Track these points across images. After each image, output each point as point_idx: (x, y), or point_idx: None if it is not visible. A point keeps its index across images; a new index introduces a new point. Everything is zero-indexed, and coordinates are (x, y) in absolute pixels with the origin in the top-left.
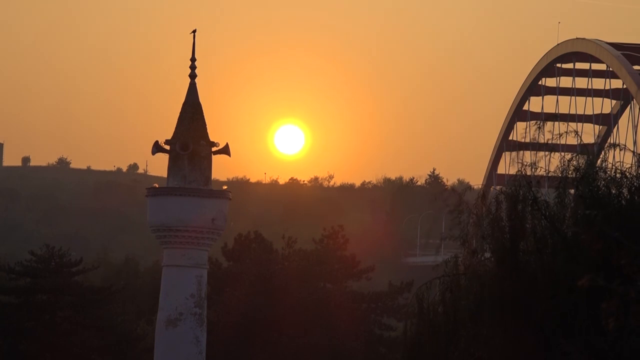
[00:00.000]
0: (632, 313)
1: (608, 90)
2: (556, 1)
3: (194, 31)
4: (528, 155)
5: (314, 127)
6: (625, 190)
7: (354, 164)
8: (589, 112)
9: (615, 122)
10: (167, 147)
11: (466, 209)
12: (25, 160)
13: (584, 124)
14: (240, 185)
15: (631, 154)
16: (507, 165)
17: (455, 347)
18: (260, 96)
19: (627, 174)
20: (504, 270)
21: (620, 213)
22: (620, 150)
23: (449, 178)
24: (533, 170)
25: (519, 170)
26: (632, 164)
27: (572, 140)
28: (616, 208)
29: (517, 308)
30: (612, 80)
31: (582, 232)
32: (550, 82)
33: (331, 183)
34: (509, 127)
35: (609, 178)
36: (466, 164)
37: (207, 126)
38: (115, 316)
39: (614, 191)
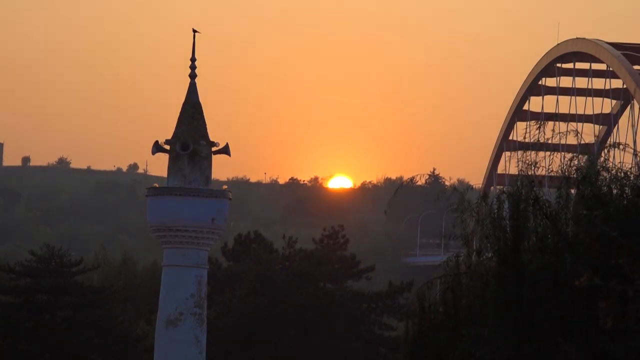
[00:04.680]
0: (629, 312)
1: (608, 90)
2: (556, 1)
3: (195, 30)
4: (528, 155)
5: (309, 126)
6: (627, 190)
7: (354, 164)
8: (589, 112)
9: (615, 122)
10: (167, 147)
11: (468, 208)
12: (25, 160)
13: (584, 124)
14: (240, 185)
15: (631, 153)
16: (507, 165)
17: (456, 346)
18: (258, 92)
19: (629, 173)
20: (506, 270)
21: (621, 213)
22: (622, 150)
23: (450, 177)
24: (534, 170)
25: (520, 170)
26: (632, 164)
27: (572, 140)
28: (617, 208)
29: (518, 308)
30: (612, 80)
31: (582, 232)
32: (550, 82)
33: (331, 183)
34: (509, 127)
35: (610, 178)
36: (466, 164)
37: (207, 126)
38: (115, 316)
39: (615, 191)
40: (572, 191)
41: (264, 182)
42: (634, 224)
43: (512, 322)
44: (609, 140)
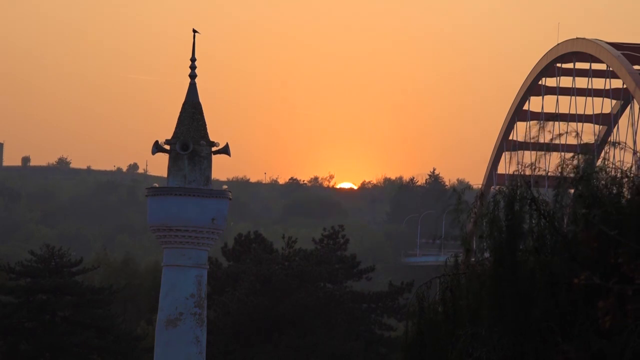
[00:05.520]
0: (627, 311)
1: (608, 90)
2: (556, 1)
3: (195, 31)
4: (528, 155)
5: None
6: (625, 190)
7: (354, 164)
8: (589, 112)
9: (615, 122)
10: (167, 147)
11: (465, 208)
12: (25, 160)
13: (584, 124)
14: (240, 185)
15: (631, 153)
16: (507, 165)
17: (454, 347)
18: (258, 92)
19: (628, 173)
20: (502, 270)
21: (620, 212)
22: (621, 149)
23: (449, 178)
24: (533, 170)
25: (516, 170)
26: (632, 164)
27: (572, 140)
28: (615, 207)
29: (515, 307)
30: (612, 80)
31: (580, 230)
32: (550, 82)
33: (331, 183)
34: (509, 127)
35: (608, 177)
36: (466, 164)
37: (207, 126)
38: (115, 316)
39: (614, 190)
40: (571, 191)
41: (264, 182)
42: (632, 223)
43: (507, 322)
44: (609, 140)
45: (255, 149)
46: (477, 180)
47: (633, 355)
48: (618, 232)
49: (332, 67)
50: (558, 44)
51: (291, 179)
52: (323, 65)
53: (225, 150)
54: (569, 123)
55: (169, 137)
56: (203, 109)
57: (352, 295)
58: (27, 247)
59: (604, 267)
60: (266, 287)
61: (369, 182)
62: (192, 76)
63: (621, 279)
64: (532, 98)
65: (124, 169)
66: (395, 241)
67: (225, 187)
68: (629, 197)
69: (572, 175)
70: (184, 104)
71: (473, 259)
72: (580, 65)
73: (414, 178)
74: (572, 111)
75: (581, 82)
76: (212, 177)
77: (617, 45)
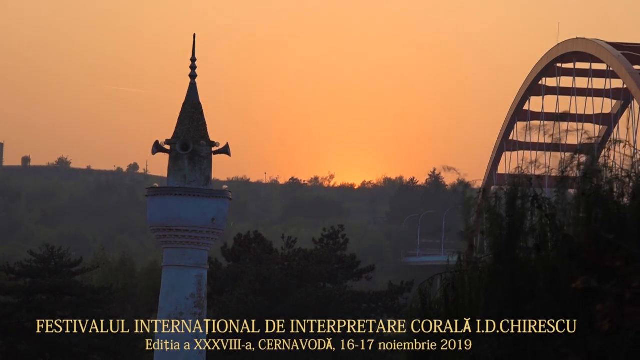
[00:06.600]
0: (627, 314)
1: (608, 90)
2: (556, 1)
3: (194, 35)
4: (528, 155)
5: (307, 118)
6: (626, 190)
7: (354, 164)
8: (589, 112)
9: (616, 122)
10: (167, 147)
11: (469, 203)
12: (25, 160)
13: (584, 124)
14: (240, 185)
15: (632, 152)
16: (507, 165)
17: (454, 345)
18: (258, 92)
19: (629, 173)
20: (500, 267)
21: (621, 213)
22: (624, 146)
23: (449, 178)
24: (534, 168)
25: (517, 167)
26: (632, 164)
27: (572, 140)
28: (617, 207)
29: (514, 305)
30: (612, 80)
31: (580, 232)
32: (550, 82)
33: (331, 183)
34: (509, 127)
35: (611, 176)
36: (466, 164)
37: (207, 126)
38: (115, 316)
39: (616, 190)
40: (572, 191)
41: (264, 182)
42: (633, 224)
43: (508, 320)
44: (609, 139)
45: (255, 149)
46: (477, 180)
47: (632, 356)
48: (619, 233)
49: (333, 67)
50: (558, 44)
51: (291, 179)
52: (323, 65)
53: (225, 150)
54: (569, 123)
55: (169, 137)
56: (203, 109)
57: (352, 295)
58: (27, 247)
59: (602, 269)
60: (266, 287)
61: (369, 182)
62: (192, 76)
63: (620, 282)
64: (533, 98)
65: (124, 169)
66: (395, 241)
67: (225, 187)
68: (630, 198)
69: (574, 174)
70: (184, 104)
71: (475, 256)
72: (580, 65)
73: (414, 178)
74: (572, 111)
75: (581, 82)
76: (212, 177)
77: (617, 45)
